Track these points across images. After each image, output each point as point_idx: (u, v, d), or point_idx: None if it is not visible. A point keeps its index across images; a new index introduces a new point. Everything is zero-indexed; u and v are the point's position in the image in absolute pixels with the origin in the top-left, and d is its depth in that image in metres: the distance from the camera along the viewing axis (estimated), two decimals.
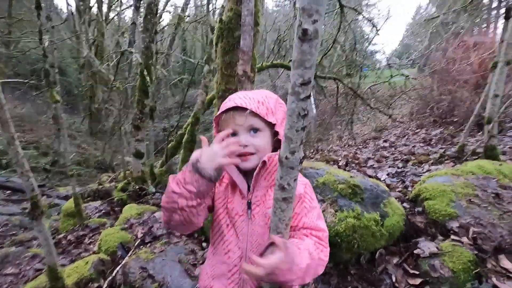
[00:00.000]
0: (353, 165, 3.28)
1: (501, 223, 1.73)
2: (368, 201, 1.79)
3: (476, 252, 1.56)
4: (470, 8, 8.03)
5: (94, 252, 2.54)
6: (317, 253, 0.76)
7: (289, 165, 0.65)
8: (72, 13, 11.06)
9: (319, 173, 1.98)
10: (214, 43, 1.33)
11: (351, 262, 1.66)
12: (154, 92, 4.22)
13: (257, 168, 0.81)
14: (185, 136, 3.08)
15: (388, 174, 2.74)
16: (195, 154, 0.76)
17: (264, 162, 0.80)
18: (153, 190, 3.52)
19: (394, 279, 1.55)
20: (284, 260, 0.68)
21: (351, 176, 1.95)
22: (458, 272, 1.47)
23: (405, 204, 2.05)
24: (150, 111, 4.07)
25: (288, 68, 4.88)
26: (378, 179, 2.69)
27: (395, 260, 1.66)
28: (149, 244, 2.27)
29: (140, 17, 8.83)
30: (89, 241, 2.84)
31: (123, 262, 1.90)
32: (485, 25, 17.13)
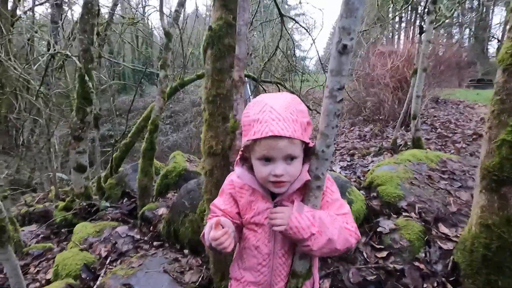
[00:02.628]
0: None
1: (435, 198, 2.15)
2: None
3: (422, 223, 1.91)
4: (380, 22, 9.37)
5: (47, 281, 2.23)
6: (340, 220, 0.83)
7: (325, 157, 0.77)
8: None
9: None
10: (203, 50, 1.36)
11: None
12: (98, 98, 3.88)
13: (298, 185, 0.81)
14: (144, 145, 2.92)
15: (341, 168, 3.09)
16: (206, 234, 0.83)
17: (305, 183, 0.81)
18: (107, 205, 3.23)
19: (365, 256, 1.79)
20: (296, 207, 0.80)
21: None
22: (413, 241, 1.79)
23: (361, 192, 2.36)
24: (94, 120, 3.72)
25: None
26: (334, 171, 3.01)
27: (364, 240, 1.91)
28: (119, 261, 2.12)
29: (63, 14, 7.89)
30: (35, 270, 2.47)
31: (98, 282, 1.74)
32: (391, 35, 20.10)
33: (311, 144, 0.80)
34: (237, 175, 0.88)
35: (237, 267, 0.96)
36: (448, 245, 1.75)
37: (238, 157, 0.89)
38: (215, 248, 0.79)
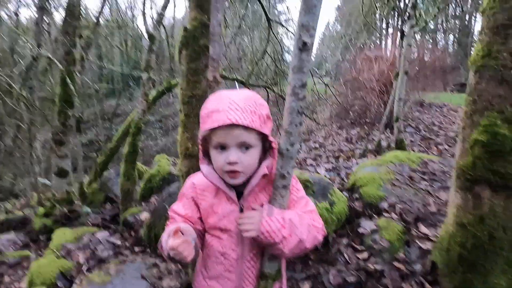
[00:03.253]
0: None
1: (416, 198, 2.17)
2: (319, 193, 2.02)
3: (403, 223, 1.92)
4: (367, 28, 9.56)
5: None
6: (307, 218, 0.82)
7: (289, 156, 0.76)
8: None
9: None
10: (178, 50, 1.35)
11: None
12: (80, 103, 3.80)
13: (256, 180, 0.80)
14: (126, 148, 2.87)
15: (326, 170, 3.10)
16: (163, 242, 0.78)
17: (265, 175, 0.80)
18: (89, 210, 3.15)
19: (346, 257, 1.79)
20: (266, 211, 0.78)
21: (300, 173, 2.17)
22: (393, 242, 1.79)
23: (344, 193, 2.37)
24: (76, 123, 3.65)
25: None
26: (318, 173, 3.02)
27: (345, 241, 1.91)
28: (98, 268, 2.05)
29: (48, 18, 7.75)
30: (9, 280, 2.38)
31: None
32: (378, 41, 20.54)
33: (270, 138, 0.79)
34: (203, 172, 0.84)
35: (201, 277, 0.92)
36: (427, 245, 1.76)
37: (201, 154, 0.85)
38: (173, 257, 0.74)
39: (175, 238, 0.72)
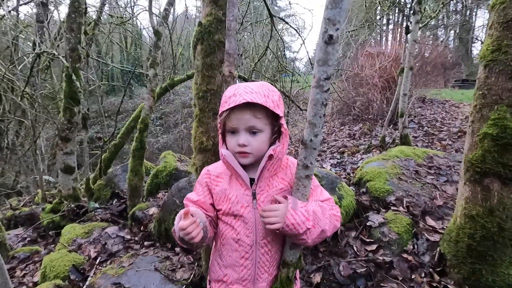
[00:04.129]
0: None
1: (422, 192, 2.20)
2: (327, 187, 2.04)
3: (410, 217, 1.95)
4: (368, 23, 9.54)
5: (34, 284, 2.18)
6: (327, 208, 0.86)
7: (313, 147, 0.78)
8: None
9: None
10: (192, 45, 1.36)
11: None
12: (86, 99, 3.82)
13: (263, 162, 0.85)
14: (134, 144, 2.88)
15: (331, 165, 3.13)
16: (175, 225, 0.82)
17: (270, 156, 0.84)
18: (96, 206, 3.18)
19: (355, 249, 1.82)
20: (287, 203, 0.82)
21: None
22: (401, 234, 1.83)
23: (351, 187, 2.39)
24: (82, 120, 3.66)
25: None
26: (324, 169, 3.04)
27: (353, 234, 1.94)
28: (109, 262, 2.09)
29: (51, 13, 7.73)
30: (22, 274, 2.41)
31: (87, 283, 1.71)
32: (379, 37, 20.47)
33: (282, 120, 0.86)
34: (223, 154, 0.87)
35: (217, 267, 0.94)
36: (435, 237, 1.80)
37: (220, 140, 0.91)
38: (183, 238, 0.79)
39: (185, 220, 0.78)
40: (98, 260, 2.10)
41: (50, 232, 3.19)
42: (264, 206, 0.85)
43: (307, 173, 0.81)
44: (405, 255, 1.72)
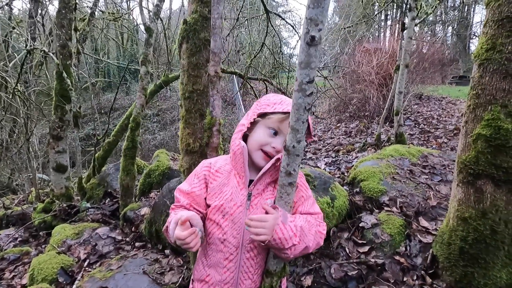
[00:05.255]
0: None
1: (416, 192, 2.18)
2: (320, 187, 2.01)
3: (403, 217, 1.93)
4: (366, 19, 9.47)
5: (23, 286, 2.15)
6: (314, 224, 0.85)
7: (295, 153, 0.75)
8: None
9: None
10: (178, 44, 1.32)
11: None
12: (77, 97, 3.76)
13: (269, 164, 0.84)
14: (125, 143, 2.84)
15: (326, 164, 3.10)
16: (170, 221, 0.81)
17: (278, 159, 0.83)
18: (88, 205, 3.14)
19: (347, 251, 1.80)
20: (277, 216, 0.79)
21: (301, 168, 2.16)
22: (394, 235, 1.81)
23: (345, 187, 2.37)
24: (74, 118, 3.60)
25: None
26: (318, 168, 3.01)
27: (346, 235, 1.92)
28: (99, 263, 2.06)
29: (42, 10, 7.60)
30: (11, 275, 2.37)
31: (74, 286, 1.68)
32: (377, 33, 20.40)
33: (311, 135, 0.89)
34: (242, 146, 0.86)
35: (201, 266, 0.92)
36: (428, 239, 1.77)
37: (243, 131, 0.88)
38: (179, 245, 0.77)
39: (183, 229, 0.75)
40: (87, 262, 2.07)
41: (41, 233, 3.15)
42: (252, 215, 0.82)
43: (290, 180, 0.77)
44: (397, 257, 1.70)
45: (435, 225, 1.89)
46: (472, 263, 1.44)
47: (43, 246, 2.89)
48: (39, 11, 7.05)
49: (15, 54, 5.09)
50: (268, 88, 6.81)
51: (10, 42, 6.76)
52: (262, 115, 0.88)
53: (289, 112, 0.78)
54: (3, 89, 6.61)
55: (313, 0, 0.63)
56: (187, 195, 0.89)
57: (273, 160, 0.83)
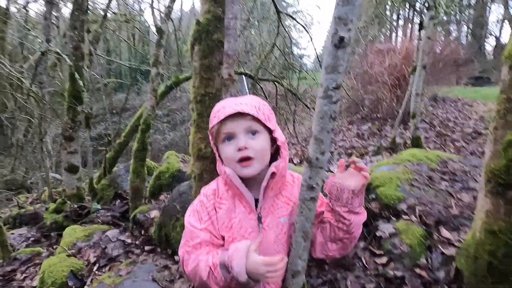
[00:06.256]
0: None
1: (436, 200, 2.07)
2: None
3: (423, 227, 1.83)
4: (378, 19, 9.29)
5: None
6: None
7: (319, 165, 0.68)
8: None
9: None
10: (190, 46, 1.27)
11: None
12: (89, 97, 3.78)
13: (265, 181, 0.79)
14: (135, 145, 2.82)
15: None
16: (226, 257, 0.73)
17: (273, 174, 0.78)
18: (98, 207, 3.14)
19: (364, 261, 1.71)
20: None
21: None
22: (414, 246, 1.71)
23: None
24: (85, 119, 3.62)
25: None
26: (331, 172, 2.93)
27: (362, 244, 1.84)
28: (108, 267, 2.03)
29: (56, 12, 7.73)
30: (22, 277, 2.38)
31: None
32: (389, 33, 20.04)
33: (275, 134, 0.81)
34: (227, 172, 0.80)
35: None
36: (450, 250, 1.67)
37: (217, 156, 0.84)
38: (255, 278, 0.71)
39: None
40: (96, 266, 2.05)
41: (52, 233, 3.17)
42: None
43: (312, 195, 0.71)
44: (418, 270, 1.60)
45: (458, 235, 1.78)
46: (502, 280, 1.34)
47: (54, 246, 2.91)
48: (54, 13, 7.18)
49: (30, 56, 5.17)
50: (278, 89, 6.75)
51: (26, 45, 6.90)
52: (214, 136, 0.84)
53: (233, 115, 0.76)
54: (18, 90, 6.75)
55: None
56: (205, 229, 0.83)
57: (267, 176, 0.78)
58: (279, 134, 0.82)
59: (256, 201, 0.82)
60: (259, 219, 0.81)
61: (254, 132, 0.79)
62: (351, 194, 0.77)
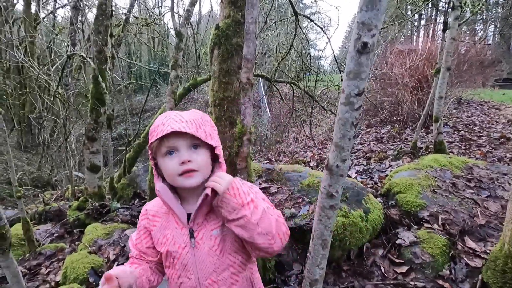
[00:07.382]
0: (323, 165, 3.48)
1: (461, 208, 1.98)
2: (352, 199, 1.90)
3: (447, 236, 1.76)
4: (399, 19, 9.05)
5: (57, 283, 2.23)
6: (274, 210, 0.78)
7: (339, 173, 0.67)
8: None
9: (302, 175, 2.04)
10: (209, 50, 1.29)
11: (342, 259, 1.74)
12: (111, 99, 3.91)
13: (200, 200, 0.78)
14: None
15: (357, 172, 2.95)
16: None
17: (206, 195, 0.77)
18: (118, 206, 3.23)
19: (383, 270, 1.66)
20: (236, 179, 0.76)
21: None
22: (436, 256, 1.64)
23: (379, 199, 2.22)
24: (107, 120, 3.74)
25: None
26: (349, 176, 2.87)
27: (381, 252, 1.78)
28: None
29: (82, 17, 8.07)
30: (46, 271, 2.48)
31: None
32: (409, 33, 19.47)
33: (217, 150, 0.81)
34: (157, 188, 0.80)
35: None
36: (476, 262, 1.60)
37: (155, 172, 0.83)
38: None
39: (108, 285, 0.70)
40: (116, 264, 2.10)
41: (75, 230, 3.29)
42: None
43: (332, 202, 0.69)
44: (440, 281, 1.54)
45: (484, 246, 1.70)
46: None
47: (76, 243, 3.02)
48: (79, 18, 7.49)
49: (57, 59, 5.41)
50: (294, 91, 6.70)
51: (54, 49, 7.24)
52: (154, 150, 0.82)
53: (174, 132, 0.74)
54: (46, 92, 7.10)
55: (366, 2, 0.55)
56: (135, 246, 0.88)
57: (202, 197, 0.77)
58: (220, 151, 0.83)
59: (189, 214, 0.81)
60: (191, 233, 0.81)
61: (196, 146, 0.79)
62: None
